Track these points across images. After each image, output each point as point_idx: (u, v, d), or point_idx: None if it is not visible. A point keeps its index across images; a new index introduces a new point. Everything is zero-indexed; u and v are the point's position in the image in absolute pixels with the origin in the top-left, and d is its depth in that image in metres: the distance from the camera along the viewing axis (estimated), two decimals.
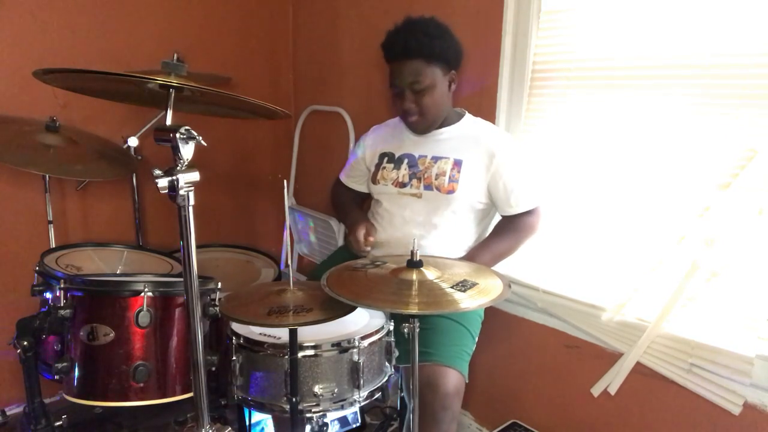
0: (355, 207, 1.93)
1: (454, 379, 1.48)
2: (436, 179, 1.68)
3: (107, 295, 1.42)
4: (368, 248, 1.69)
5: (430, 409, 1.45)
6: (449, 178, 1.67)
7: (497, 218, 1.82)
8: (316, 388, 1.33)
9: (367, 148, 1.89)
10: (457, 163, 1.68)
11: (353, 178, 1.98)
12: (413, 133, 1.77)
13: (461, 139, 1.71)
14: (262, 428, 1.83)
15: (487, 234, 1.83)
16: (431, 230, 1.70)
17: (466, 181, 1.66)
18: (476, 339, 1.67)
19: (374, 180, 1.81)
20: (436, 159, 1.71)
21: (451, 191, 1.66)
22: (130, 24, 2.19)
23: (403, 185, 1.75)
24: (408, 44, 1.58)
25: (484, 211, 1.76)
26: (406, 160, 1.76)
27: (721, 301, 1.43)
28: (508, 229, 1.73)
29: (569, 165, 1.74)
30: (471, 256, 1.67)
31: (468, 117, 1.77)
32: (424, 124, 1.71)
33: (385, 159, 1.81)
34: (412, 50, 1.58)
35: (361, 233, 1.69)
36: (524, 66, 1.80)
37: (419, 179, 1.72)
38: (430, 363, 1.48)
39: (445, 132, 1.74)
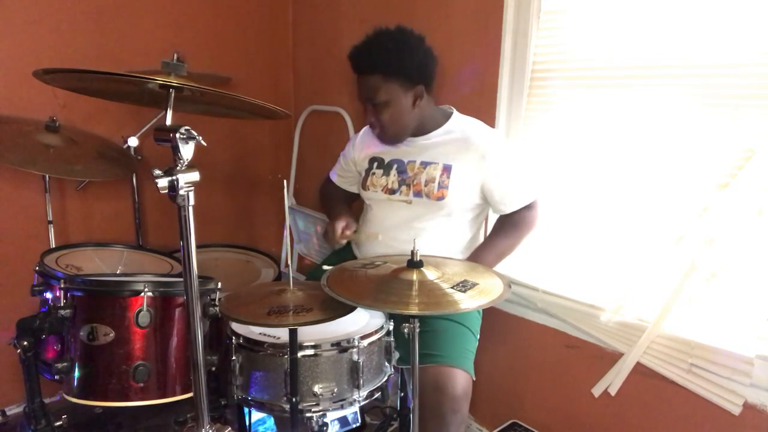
0: (341, 203, 1.92)
1: (462, 380, 1.47)
2: (425, 186, 1.67)
3: (107, 295, 1.42)
4: (342, 242, 1.72)
5: (440, 413, 1.44)
6: (438, 184, 1.65)
7: (492, 217, 1.83)
8: (316, 388, 1.33)
9: (357, 151, 1.87)
10: (447, 169, 1.66)
11: (344, 179, 1.97)
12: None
13: (450, 142, 1.69)
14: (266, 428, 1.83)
15: (481, 233, 1.83)
16: (421, 233, 1.68)
17: (456, 187, 1.65)
18: (478, 337, 1.67)
19: (364, 186, 1.80)
20: (425, 164, 1.69)
21: (440, 198, 1.65)
22: (130, 24, 2.19)
23: (392, 192, 1.73)
24: (364, 59, 1.61)
25: (477, 212, 1.74)
26: (395, 166, 1.74)
27: (720, 301, 1.43)
28: (508, 225, 1.72)
29: (569, 165, 1.74)
30: (474, 257, 1.67)
31: (455, 116, 1.74)
32: (387, 138, 1.72)
33: (375, 164, 1.79)
34: (368, 66, 1.60)
35: (339, 225, 1.70)
36: (524, 66, 1.80)
37: (408, 186, 1.70)
38: (437, 365, 1.47)
39: (433, 136, 1.71)
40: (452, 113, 1.75)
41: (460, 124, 1.73)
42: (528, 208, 1.70)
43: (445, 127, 1.71)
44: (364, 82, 1.63)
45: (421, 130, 1.72)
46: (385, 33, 1.62)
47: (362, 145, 1.87)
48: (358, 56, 1.62)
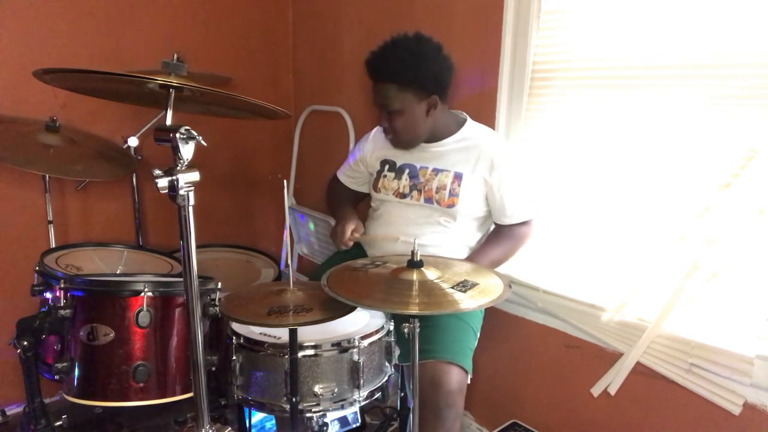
0: (348, 204, 1.93)
1: (457, 375, 1.48)
2: (436, 193, 1.69)
3: (107, 295, 1.42)
4: (350, 243, 1.72)
5: (434, 407, 1.45)
6: (449, 192, 1.67)
7: None
8: (316, 388, 1.33)
9: (368, 150, 1.88)
10: (458, 177, 1.68)
11: (352, 178, 1.98)
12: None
13: (462, 150, 1.70)
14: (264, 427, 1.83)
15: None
16: (430, 229, 1.71)
17: (466, 195, 1.67)
18: (478, 334, 1.68)
19: (375, 188, 1.82)
20: (437, 171, 1.71)
21: (451, 205, 1.67)
22: (130, 24, 2.19)
23: (403, 196, 1.75)
24: (380, 68, 1.62)
25: (485, 218, 1.77)
26: (407, 171, 1.76)
27: (721, 301, 1.43)
28: (504, 236, 1.74)
29: (569, 165, 1.74)
30: (470, 261, 1.67)
31: (469, 124, 1.75)
32: (399, 143, 1.74)
33: (386, 167, 1.80)
34: (384, 74, 1.61)
35: (349, 228, 1.71)
36: (524, 66, 1.80)
37: (419, 191, 1.72)
38: (433, 360, 1.48)
39: (445, 144, 1.73)
40: (465, 120, 1.76)
41: (472, 132, 1.74)
42: (525, 223, 1.73)
43: (457, 135, 1.73)
44: (379, 89, 1.64)
45: (435, 137, 1.73)
46: (403, 42, 1.61)
47: (374, 146, 1.88)
48: (374, 64, 1.63)
